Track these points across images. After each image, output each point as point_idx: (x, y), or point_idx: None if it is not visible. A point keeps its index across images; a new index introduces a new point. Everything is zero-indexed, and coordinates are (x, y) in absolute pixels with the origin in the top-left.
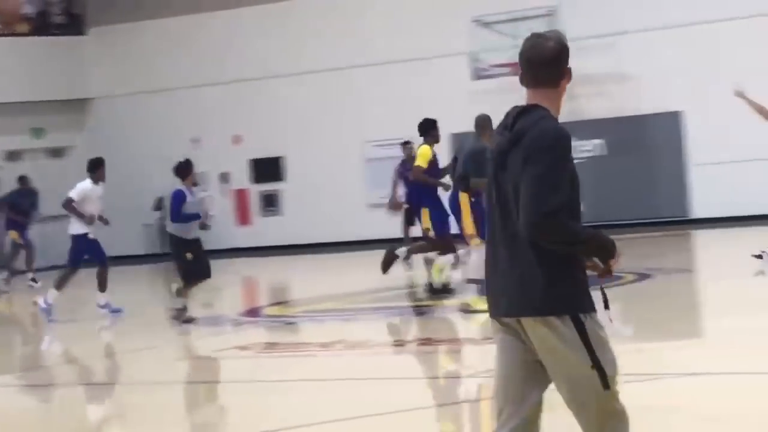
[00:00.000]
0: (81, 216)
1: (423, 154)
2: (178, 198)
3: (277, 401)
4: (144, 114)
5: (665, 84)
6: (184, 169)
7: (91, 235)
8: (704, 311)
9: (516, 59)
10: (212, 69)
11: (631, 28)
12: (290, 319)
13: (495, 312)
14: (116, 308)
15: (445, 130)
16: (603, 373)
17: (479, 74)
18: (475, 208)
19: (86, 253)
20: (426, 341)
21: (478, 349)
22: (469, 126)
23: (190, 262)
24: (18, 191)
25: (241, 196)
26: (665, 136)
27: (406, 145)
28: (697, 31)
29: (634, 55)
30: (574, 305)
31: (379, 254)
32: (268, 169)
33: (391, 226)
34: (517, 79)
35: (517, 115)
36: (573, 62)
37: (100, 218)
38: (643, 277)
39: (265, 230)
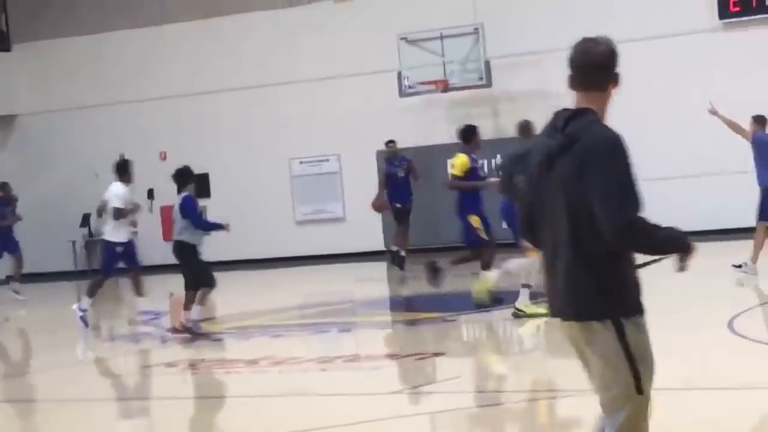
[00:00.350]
0: (132, 215)
1: (459, 164)
2: (193, 203)
3: (203, 417)
4: (70, 130)
5: None
6: (185, 177)
7: (119, 249)
8: None
9: (441, 76)
10: (138, 85)
11: (555, 47)
12: (217, 336)
13: (550, 314)
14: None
15: (372, 147)
16: (638, 377)
17: (406, 91)
18: None
19: (103, 257)
20: (353, 357)
21: (404, 365)
22: (399, 143)
23: (202, 270)
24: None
25: (167, 212)
26: None
27: (389, 143)
28: (622, 50)
29: (559, 72)
30: (615, 310)
31: (307, 271)
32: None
33: (319, 242)
34: (442, 95)
35: (568, 118)
36: (498, 80)
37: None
38: None
39: None
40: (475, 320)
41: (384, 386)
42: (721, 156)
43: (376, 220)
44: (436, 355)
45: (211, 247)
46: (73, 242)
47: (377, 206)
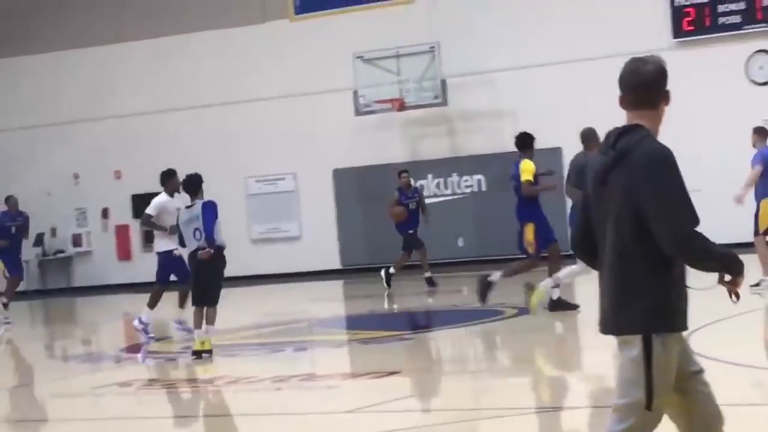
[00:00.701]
0: (162, 228)
1: (528, 169)
2: (216, 210)
3: None
4: (23, 150)
5: (545, 120)
6: (197, 183)
7: (176, 252)
8: (583, 345)
9: (397, 95)
10: (92, 104)
11: (511, 66)
12: (171, 355)
13: (599, 329)
14: (190, 327)
15: (327, 166)
16: (651, 394)
17: (361, 110)
18: None
19: (170, 271)
20: (309, 377)
21: (360, 383)
22: (351, 161)
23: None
24: (5, 213)
25: (122, 231)
26: None
27: (403, 173)
28: (576, 69)
29: (513, 91)
30: (646, 325)
31: (263, 289)
32: (149, 204)
33: (275, 261)
34: (398, 114)
35: (619, 135)
36: (454, 98)
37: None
38: (523, 311)
39: (145, 266)
40: (431, 339)
41: (339, 405)
42: None
43: (332, 239)
44: (392, 373)
45: None
46: (27, 262)
47: (398, 212)
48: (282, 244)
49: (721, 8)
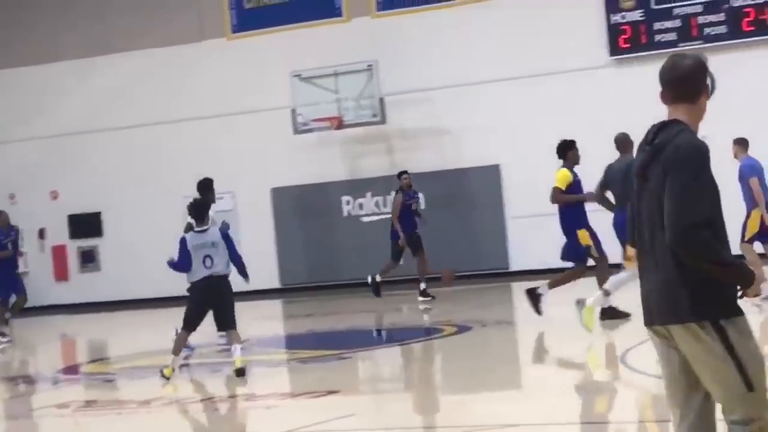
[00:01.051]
0: None
1: (561, 177)
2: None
3: None
4: None
5: (483, 138)
6: (208, 207)
7: None
8: (522, 363)
9: (335, 113)
10: (28, 124)
11: (448, 83)
12: (109, 376)
13: (646, 321)
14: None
15: (266, 185)
16: (746, 375)
17: (300, 128)
18: None
19: None
20: (248, 396)
21: (298, 403)
22: (290, 180)
23: None
24: None
25: (58, 251)
26: (484, 189)
27: (403, 175)
28: (513, 86)
29: (451, 109)
30: (714, 312)
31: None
32: (86, 224)
33: None
34: (336, 132)
35: (657, 130)
36: (392, 116)
37: None
38: (463, 329)
39: (83, 286)
40: (370, 357)
41: (279, 425)
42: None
43: (271, 258)
44: (331, 392)
45: (102, 287)
46: None
47: (448, 277)
48: None
49: (656, 26)
